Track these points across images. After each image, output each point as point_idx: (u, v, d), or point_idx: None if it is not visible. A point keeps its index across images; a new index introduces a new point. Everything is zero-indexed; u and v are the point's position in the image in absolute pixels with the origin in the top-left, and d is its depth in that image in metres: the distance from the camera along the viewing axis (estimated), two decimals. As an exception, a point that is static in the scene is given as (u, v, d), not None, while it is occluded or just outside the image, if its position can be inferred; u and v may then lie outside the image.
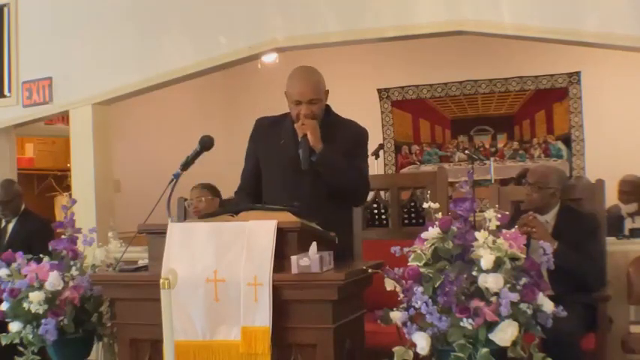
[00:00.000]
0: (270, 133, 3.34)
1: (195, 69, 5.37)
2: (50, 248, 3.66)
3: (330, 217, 3.00)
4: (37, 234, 4.99)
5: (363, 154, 3.33)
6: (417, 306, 2.58)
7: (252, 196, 3.33)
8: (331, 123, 3.26)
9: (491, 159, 7.45)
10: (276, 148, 3.27)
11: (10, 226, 5.35)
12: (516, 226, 3.28)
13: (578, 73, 7.72)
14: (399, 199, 4.12)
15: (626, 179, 5.75)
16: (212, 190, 4.65)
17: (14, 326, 3.49)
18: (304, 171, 3.13)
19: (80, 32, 5.69)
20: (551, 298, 2.67)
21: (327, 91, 3.29)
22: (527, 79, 7.94)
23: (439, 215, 2.71)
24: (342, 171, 3.15)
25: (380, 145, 7.44)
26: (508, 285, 2.55)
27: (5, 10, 5.96)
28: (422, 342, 2.57)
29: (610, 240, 4.18)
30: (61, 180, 8.00)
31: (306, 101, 3.17)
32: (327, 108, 3.31)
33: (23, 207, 5.43)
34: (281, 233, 2.66)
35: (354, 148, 3.24)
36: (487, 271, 2.55)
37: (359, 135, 3.32)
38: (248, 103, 8.54)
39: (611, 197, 5.29)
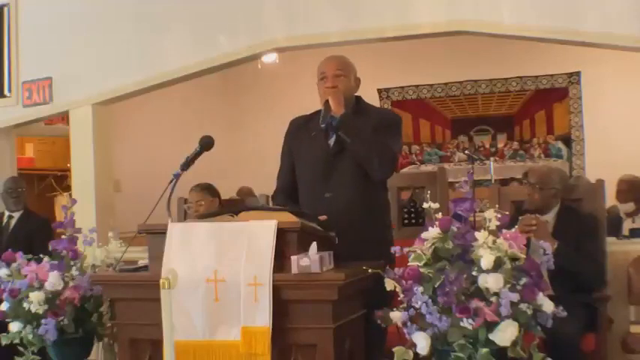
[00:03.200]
0: (302, 130, 3.34)
1: (195, 69, 5.37)
2: (50, 248, 3.66)
3: (364, 205, 3.03)
4: (38, 232, 5.05)
5: (393, 134, 3.22)
6: (417, 306, 2.58)
7: (291, 197, 3.31)
8: (361, 110, 3.26)
9: (491, 159, 7.46)
10: (308, 141, 3.27)
11: (12, 223, 5.41)
12: (517, 227, 3.28)
13: (578, 73, 7.72)
14: (399, 199, 4.11)
15: (623, 178, 5.78)
16: (211, 191, 4.64)
17: (14, 326, 3.49)
18: (335, 160, 3.13)
19: (80, 32, 5.69)
20: (551, 298, 2.67)
21: (358, 78, 3.33)
22: (527, 79, 7.94)
23: (439, 215, 2.71)
24: (364, 139, 3.09)
25: (380, 145, 7.43)
26: (508, 285, 2.55)
27: (5, 10, 5.97)
28: (422, 342, 2.57)
29: (610, 240, 4.18)
30: (61, 180, 8.01)
31: (331, 75, 3.22)
32: (358, 98, 3.33)
33: (26, 206, 5.51)
34: (281, 233, 2.66)
35: (383, 127, 3.19)
36: (487, 271, 2.55)
37: (390, 119, 3.32)
38: (248, 103, 8.55)
39: (610, 197, 5.30)
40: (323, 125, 3.13)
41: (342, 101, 3.12)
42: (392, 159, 3.19)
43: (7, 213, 5.47)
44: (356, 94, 3.36)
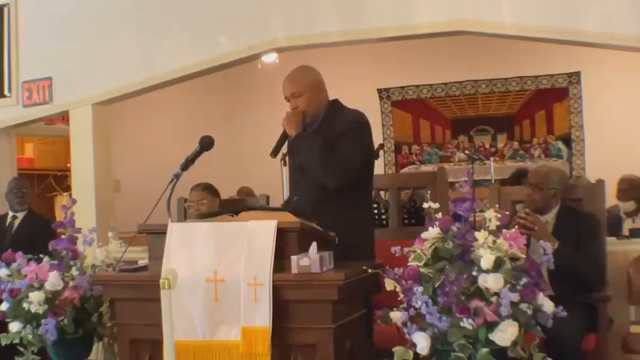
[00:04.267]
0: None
1: (195, 69, 5.37)
2: (50, 248, 3.66)
3: (334, 217, 3.02)
4: (41, 233, 5.05)
5: (352, 138, 3.26)
6: (417, 306, 2.58)
7: None
8: (334, 114, 3.33)
9: (492, 159, 7.44)
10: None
11: (16, 223, 5.43)
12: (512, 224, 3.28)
13: (578, 73, 7.71)
14: (399, 199, 4.11)
15: (624, 177, 5.79)
16: (212, 190, 4.64)
17: (14, 326, 3.49)
18: (306, 172, 3.24)
19: (80, 32, 5.69)
20: (551, 298, 2.67)
21: (319, 83, 3.35)
22: (527, 79, 7.94)
23: (439, 215, 2.71)
24: (311, 159, 3.19)
25: (380, 145, 7.44)
26: (508, 285, 2.55)
27: (5, 10, 5.96)
28: (422, 342, 2.57)
29: (610, 240, 4.18)
30: (61, 180, 7.99)
31: (290, 96, 3.31)
32: (334, 102, 3.39)
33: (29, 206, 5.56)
34: (281, 233, 2.66)
35: (345, 133, 3.25)
36: (487, 271, 2.55)
37: (351, 124, 3.33)
38: (248, 103, 8.54)
39: (611, 197, 5.29)
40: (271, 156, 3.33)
41: (297, 122, 3.26)
42: (344, 170, 3.20)
43: (10, 213, 5.48)
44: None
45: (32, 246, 4.40)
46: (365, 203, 3.38)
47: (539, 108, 7.94)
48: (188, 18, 5.39)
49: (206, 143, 3.14)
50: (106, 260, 3.73)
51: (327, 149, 3.15)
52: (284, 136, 3.32)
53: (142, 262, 2.98)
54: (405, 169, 8.28)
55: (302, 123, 3.26)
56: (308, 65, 3.42)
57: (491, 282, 2.53)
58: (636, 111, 7.42)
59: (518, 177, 5.89)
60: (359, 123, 3.33)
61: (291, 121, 3.27)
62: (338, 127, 3.25)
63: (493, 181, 6.84)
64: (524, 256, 2.64)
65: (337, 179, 3.16)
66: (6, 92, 5.96)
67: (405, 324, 2.63)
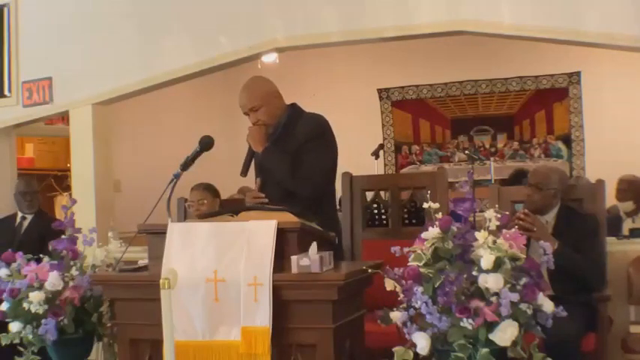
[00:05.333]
0: None
1: (195, 69, 5.37)
2: (50, 248, 3.66)
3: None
4: (51, 233, 5.04)
5: (318, 145, 3.34)
6: (417, 306, 2.58)
7: None
8: (294, 119, 3.37)
9: (492, 159, 7.45)
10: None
11: (25, 224, 5.43)
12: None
13: (578, 73, 7.72)
14: (399, 199, 4.11)
15: (623, 178, 5.80)
16: (213, 190, 4.65)
17: (14, 326, 3.49)
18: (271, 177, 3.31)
19: (80, 32, 5.68)
20: (551, 298, 2.67)
21: (274, 91, 3.40)
22: (527, 79, 7.94)
23: (439, 215, 2.71)
24: (282, 171, 3.27)
25: (380, 145, 7.45)
26: (508, 285, 2.55)
27: (5, 10, 5.96)
28: (422, 342, 2.57)
29: (610, 240, 4.18)
30: (61, 180, 8.00)
31: (248, 111, 3.35)
32: (292, 106, 3.42)
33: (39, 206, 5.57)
34: (281, 233, 2.66)
35: (308, 140, 3.31)
36: (487, 271, 2.55)
37: (315, 126, 3.38)
38: (248, 103, 8.53)
39: (610, 197, 5.30)
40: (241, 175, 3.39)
41: (261, 137, 3.32)
42: (314, 182, 3.30)
43: (20, 214, 5.47)
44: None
45: (43, 247, 4.40)
46: (330, 198, 3.46)
47: (539, 108, 7.95)
48: (188, 18, 5.38)
49: (206, 143, 3.14)
50: (106, 260, 3.73)
51: (295, 163, 3.22)
52: (251, 153, 3.37)
53: (142, 262, 2.98)
54: (405, 169, 8.28)
55: (265, 136, 3.31)
56: (259, 76, 3.50)
57: (491, 282, 2.53)
58: (636, 111, 7.42)
59: (517, 177, 5.90)
60: (319, 126, 3.38)
61: (255, 138, 3.33)
62: (299, 134, 3.30)
63: (493, 181, 6.84)
64: (524, 256, 2.64)
65: (309, 191, 3.29)
66: (6, 92, 5.95)
67: (405, 324, 2.63)
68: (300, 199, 3.25)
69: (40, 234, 5.21)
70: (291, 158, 3.27)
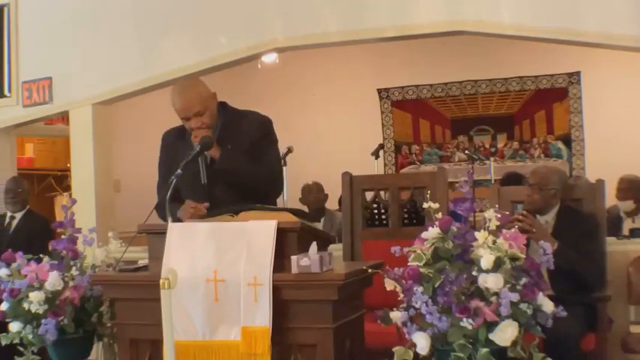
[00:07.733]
0: (177, 146, 3.36)
1: (195, 69, 5.37)
2: (50, 248, 3.66)
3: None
4: (39, 232, 5.06)
5: (270, 144, 3.35)
6: (417, 306, 2.58)
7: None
8: (233, 118, 3.34)
9: (491, 159, 7.45)
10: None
11: (14, 223, 5.43)
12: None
13: (578, 73, 7.72)
14: (399, 199, 4.11)
15: (624, 177, 5.80)
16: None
17: (14, 326, 3.49)
18: (212, 181, 3.21)
19: (80, 32, 5.69)
20: (551, 298, 2.67)
21: (214, 94, 3.34)
22: (527, 79, 7.94)
23: (439, 215, 2.71)
24: (246, 172, 3.21)
25: (380, 145, 7.43)
26: (508, 285, 2.55)
27: (5, 10, 5.97)
28: (422, 342, 2.57)
29: (610, 240, 4.18)
30: (61, 180, 8.01)
31: (192, 115, 3.23)
32: (224, 105, 3.38)
33: (28, 206, 5.55)
34: (281, 233, 2.66)
35: (261, 139, 3.30)
36: (487, 271, 2.55)
37: (263, 124, 3.36)
38: (248, 103, 8.51)
39: (610, 197, 5.30)
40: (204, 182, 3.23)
41: (213, 142, 3.17)
42: (273, 177, 3.34)
43: (9, 213, 5.48)
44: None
45: (30, 246, 4.40)
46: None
47: (539, 108, 7.95)
48: (188, 18, 5.39)
49: (206, 143, 3.13)
50: (106, 260, 3.72)
51: (253, 162, 3.20)
52: (205, 159, 3.23)
53: (142, 262, 2.98)
54: (405, 169, 8.28)
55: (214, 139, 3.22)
56: (196, 79, 3.46)
57: (491, 282, 2.53)
58: (636, 111, 7.43)
59: (508, 182, 5.92)
60: (268, 123, 3.38)
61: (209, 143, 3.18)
62: (249, 133, 3.27)
63: (493, 181, 6.85)
64: (524, 256, 2.64)
65: (271, 186, 3.32)
66: (6, 92, 5.96)
67: (405, 324, 2.63)
68: (264, 197, 3.20)
69: (28, 233, 5.22)
70: (248, 158, 3.24)
